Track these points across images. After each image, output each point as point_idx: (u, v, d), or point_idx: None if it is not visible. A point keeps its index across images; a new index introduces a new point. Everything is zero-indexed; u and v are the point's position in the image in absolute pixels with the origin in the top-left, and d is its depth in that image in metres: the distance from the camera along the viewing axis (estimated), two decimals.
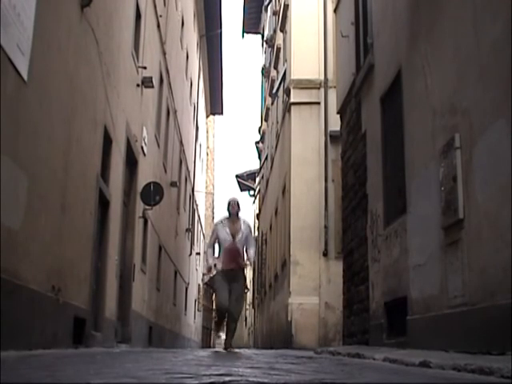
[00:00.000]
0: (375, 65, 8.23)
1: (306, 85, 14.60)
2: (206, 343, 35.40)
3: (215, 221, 8.68)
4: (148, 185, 11.86)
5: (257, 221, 29.96)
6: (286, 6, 16.42)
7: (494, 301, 4.39)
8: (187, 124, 22.07)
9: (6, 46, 4.61)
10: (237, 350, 8.41)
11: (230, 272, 7.85)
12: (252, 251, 8.11)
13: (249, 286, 9.98)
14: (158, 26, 13.68)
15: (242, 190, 32.27)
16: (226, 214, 8.23)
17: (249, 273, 26.65)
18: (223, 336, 8.40)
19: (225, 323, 8.15)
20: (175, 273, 18.89)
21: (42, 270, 5.76)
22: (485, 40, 4.77)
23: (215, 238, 8.12)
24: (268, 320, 19.93)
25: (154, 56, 13.23)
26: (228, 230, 8.00)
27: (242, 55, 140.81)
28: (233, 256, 7.87)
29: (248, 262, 8.07)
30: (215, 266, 7.99)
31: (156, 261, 14.56)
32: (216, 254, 8.30)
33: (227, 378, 2.59)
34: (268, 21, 23.19)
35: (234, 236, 7.95)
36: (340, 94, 10.72)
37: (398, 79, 7.10)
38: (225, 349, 8.04)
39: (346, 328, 9.65)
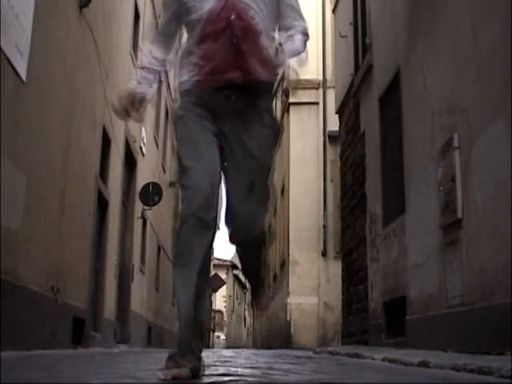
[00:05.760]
0: (374, 65, 8.23)
1: (304, 85, 14.60)
2: (205, 343, 35.36)
3: None
4: (147, 185, 11.86)
5: None
6: None
7: (493, 300, 4.39)
8: None
9: (4, 47, 4.61)
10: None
11: (227, 94, 2.70)
12: (298, 35, 2.84)
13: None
14: (157, 26, 13.67)
15: None
16: None
17: None
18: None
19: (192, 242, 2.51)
20: None
21: (41, 271, 5.76)
22: (483, 40, 4.77)
23: (173, 9, 2.93)
24: (267, 320, 19.93)
25: None
26: None
27: None
28: (232, 36, 2.66)
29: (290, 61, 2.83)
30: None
31: (155, 261, 14.57)
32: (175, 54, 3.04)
33: (226, 378, 2.60)
34: None
35: None
36: (339, 94, 10.73)
37: (396, 79, 7.10)
38: (253, 307, 3.84)
39: (345, 328, 9.65)
